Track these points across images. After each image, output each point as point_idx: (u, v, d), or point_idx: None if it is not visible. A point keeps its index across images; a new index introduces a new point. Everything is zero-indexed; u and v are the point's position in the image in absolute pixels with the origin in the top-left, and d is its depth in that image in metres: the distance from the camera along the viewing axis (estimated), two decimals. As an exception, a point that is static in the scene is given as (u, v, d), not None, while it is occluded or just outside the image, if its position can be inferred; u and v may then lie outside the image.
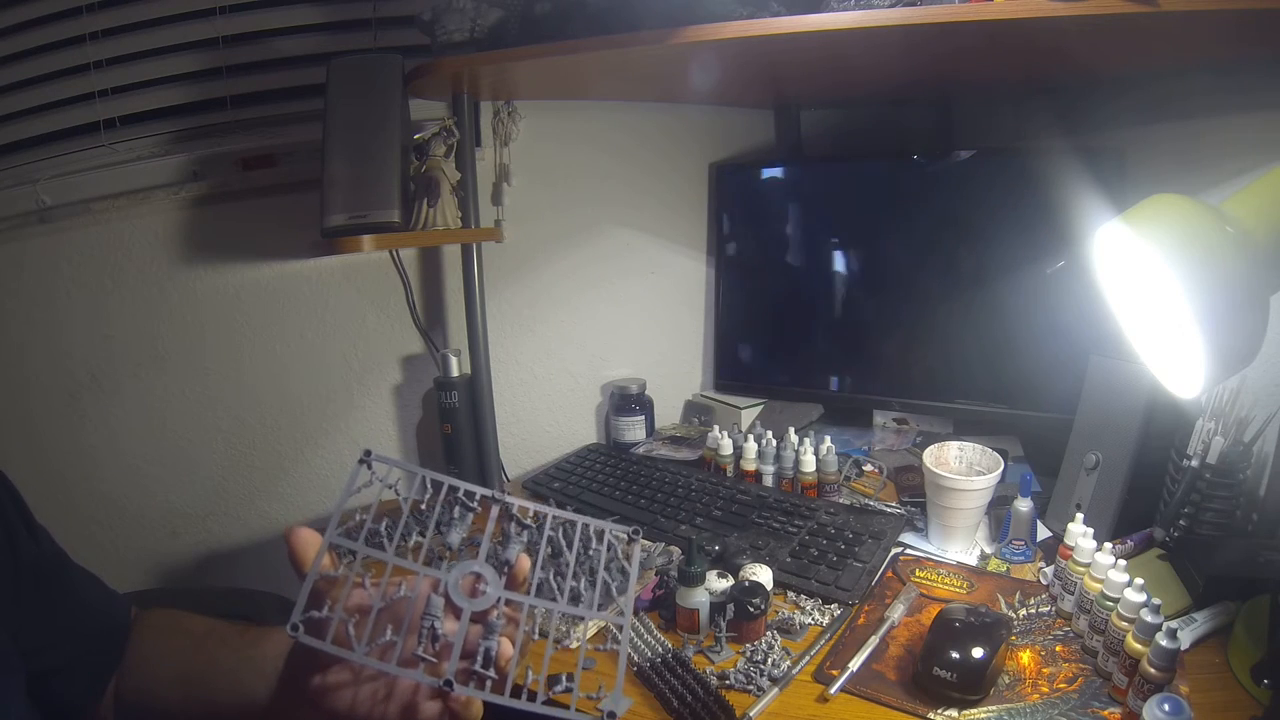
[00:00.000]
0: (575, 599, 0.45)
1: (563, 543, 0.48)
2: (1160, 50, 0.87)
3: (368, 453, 0.44)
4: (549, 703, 0.40)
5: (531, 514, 0.47)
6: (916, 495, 0.97)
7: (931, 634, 0.67)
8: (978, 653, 0.64)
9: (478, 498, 0.46)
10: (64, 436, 1.15)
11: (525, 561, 0.45)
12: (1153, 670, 0.59)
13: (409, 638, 0.41)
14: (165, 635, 0.57)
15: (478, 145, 1.12)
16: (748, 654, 0.72)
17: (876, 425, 1.24)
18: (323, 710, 0.42)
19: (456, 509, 0.46)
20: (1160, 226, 0.54)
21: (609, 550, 0.47)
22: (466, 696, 0.41)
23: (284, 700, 0.47)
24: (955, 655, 0.64)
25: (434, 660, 0.40)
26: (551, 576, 0.45)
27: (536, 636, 0.44)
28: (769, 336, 1.30)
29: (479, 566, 0.43)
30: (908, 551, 0.90)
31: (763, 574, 0.79)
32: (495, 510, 0.46)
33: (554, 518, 0.47)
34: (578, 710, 0.40)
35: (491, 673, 0.40)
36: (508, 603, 0.43)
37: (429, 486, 0.46)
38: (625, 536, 0.47)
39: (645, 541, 0.93)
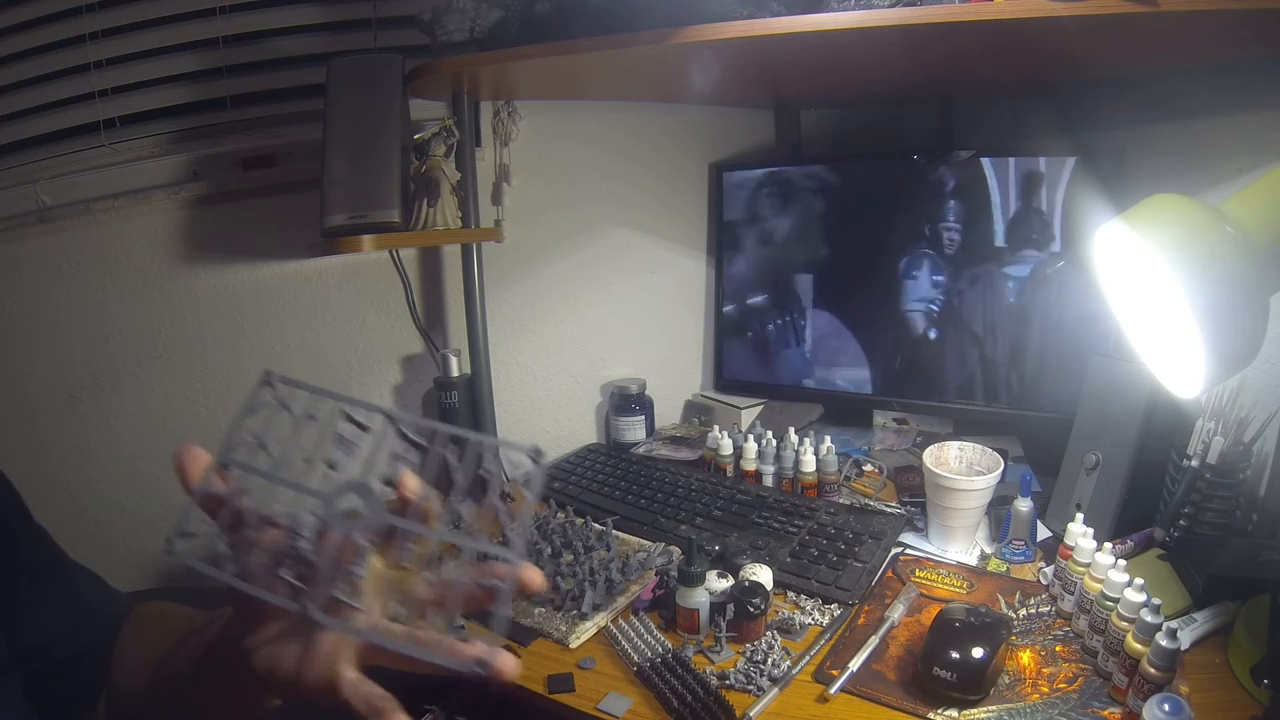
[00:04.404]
0: (457, 524, 0.41)
1: (454, 463, 0.42)
2: (1160, 50, 0.87)
3: (268, 373, 0.41)
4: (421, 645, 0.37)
5: (423, 431, 0.42)
6: (916, 495, 0.97)
7: (931, 634, 0.67)
8: (978, 653, 0.64)
9: (366, 415, 0.42)
10: (64, 436, 1.15)
11: (411, 479, 0.41)
12: (1153, 670, 0.59)
13: (279, 559, 0.38)
14: (145, 625, 0.57)
15: (478, 145, 1.12)
16: (748, 654, 0.72)
17: (876, 425, 1.24)
18: (254, 672, 0.40)
19: (351, 429, 0.42)
20: (1160, 226, 0.54)
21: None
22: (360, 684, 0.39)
23: (217, 660, 0.45)
24: (955, 655, 0.64)
25: (302, 586, 0.37)
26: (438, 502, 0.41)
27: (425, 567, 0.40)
28: (769, 336, 1.30)
29: (358, 487, 0.39)
30: (908, 551, 0.90)
31: (763, 574, 0.79)
32: (385, 428, 0.42)
33: (445, 434, 0.42)
34: (452, 654, 0.37)
35: (358, 604, 0.38)
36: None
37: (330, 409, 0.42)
38: (528, 457, 0.41)
39: (645, 541, 0.93)
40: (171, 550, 0.36)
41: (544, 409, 1.30)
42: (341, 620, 0.38)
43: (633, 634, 0.77)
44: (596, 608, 0.80)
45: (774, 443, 1.05)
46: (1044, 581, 0.81)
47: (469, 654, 0.36)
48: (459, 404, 1.12)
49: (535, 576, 0.40)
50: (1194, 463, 0.81)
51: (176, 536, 0.37)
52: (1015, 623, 0.75)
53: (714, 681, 0.69)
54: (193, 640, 0.48)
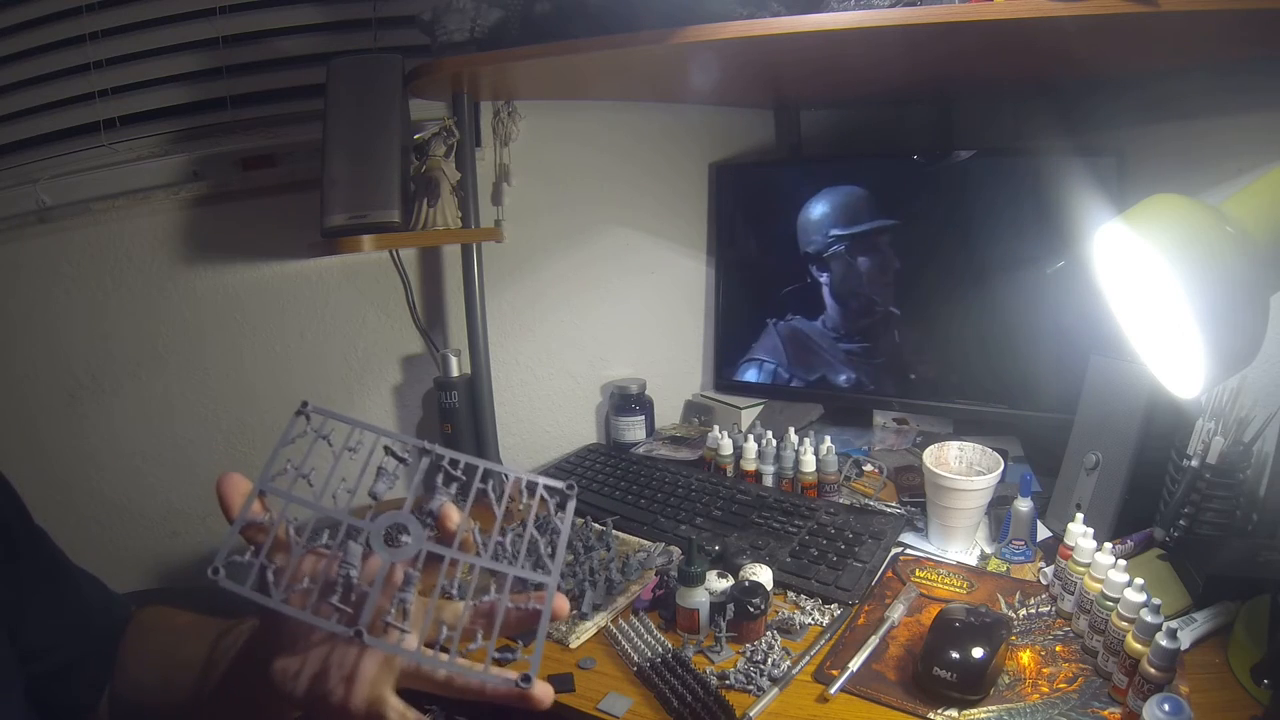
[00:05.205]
0: (499, 556, 0.43)
1: (492, 497, 0.45)
2: (1160, 50, 0.87)
3: (305, 404, 0.43)
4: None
5: (462, 466, 0.45)
6: (916, 495, 0.97)
7: (931, 634, 0.67)
8: (978, 653, 0.64)
9: (409, 447, 0.45)
10: (64, 436, 1.15)
11: (452, 512, 0.43)
12: (1153, 670, 0.59)
13: (328, 587, 0.40)
14: (149, 632, 0.57)
15: (478, 145, 1.12)
16: (748, 654, 0.72)
17: (876, 425, 1.24)
18: (284, 695, 0.41)
19: (392, 462, 0.45)
20: (1160, 226, 0.54)
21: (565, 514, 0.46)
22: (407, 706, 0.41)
23: (238, 679, 0.46)
24: (955, 655, 0.64)
25: (349, 610, 0.39)
26: (476, 532, 0.44)
27: (455, 593, 0.42)
28: (769, 335, 1.30)
29: (403, 518, 0.42)
30: (908, 551, 0.90)
31: (763, 574, 0.79)
32: (424, 461, 0.45)
33: (485, 470, 0.45)
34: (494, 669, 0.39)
35: (405, 625, 0.39)
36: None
37: (362, 438, 0.44)
38: (561, 490, 0.45)
39: (645, 541, 0.93)
40: (217, 576, 0.37)
41: (544, 409, 1.30)
42: (391, 644, 0.39)
43: (633, 634, 0.77)
44: (596, 608, 0.80)
45: (774, 443, 1.05)
46: (1044, 581, 0.81)
47: (509, 673, 0.39)
48: (459, 404, 1.12)
49: (564, 605, 0.44)
50: (1194, 463, 0.81)
51: (221, 563, 0.38)
52: (1015, 623, 0.75)
53: (714, 681, 0.69)
54: (214, 658, 0.49)
